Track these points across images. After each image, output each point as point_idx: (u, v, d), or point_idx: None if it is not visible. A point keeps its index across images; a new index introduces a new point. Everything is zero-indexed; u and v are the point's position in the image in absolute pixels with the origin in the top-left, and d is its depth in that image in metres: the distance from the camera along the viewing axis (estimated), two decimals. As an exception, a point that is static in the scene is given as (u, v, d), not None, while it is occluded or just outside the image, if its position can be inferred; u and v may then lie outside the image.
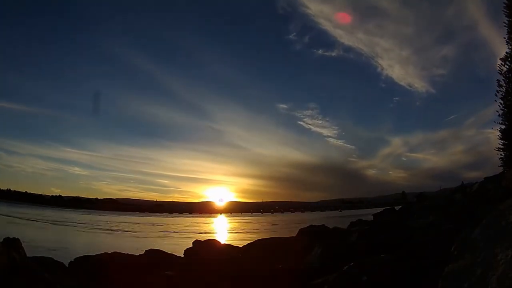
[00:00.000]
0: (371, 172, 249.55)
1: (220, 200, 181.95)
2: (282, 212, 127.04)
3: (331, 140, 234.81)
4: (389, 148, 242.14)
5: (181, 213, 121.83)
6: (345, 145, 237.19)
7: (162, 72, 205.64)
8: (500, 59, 16.03)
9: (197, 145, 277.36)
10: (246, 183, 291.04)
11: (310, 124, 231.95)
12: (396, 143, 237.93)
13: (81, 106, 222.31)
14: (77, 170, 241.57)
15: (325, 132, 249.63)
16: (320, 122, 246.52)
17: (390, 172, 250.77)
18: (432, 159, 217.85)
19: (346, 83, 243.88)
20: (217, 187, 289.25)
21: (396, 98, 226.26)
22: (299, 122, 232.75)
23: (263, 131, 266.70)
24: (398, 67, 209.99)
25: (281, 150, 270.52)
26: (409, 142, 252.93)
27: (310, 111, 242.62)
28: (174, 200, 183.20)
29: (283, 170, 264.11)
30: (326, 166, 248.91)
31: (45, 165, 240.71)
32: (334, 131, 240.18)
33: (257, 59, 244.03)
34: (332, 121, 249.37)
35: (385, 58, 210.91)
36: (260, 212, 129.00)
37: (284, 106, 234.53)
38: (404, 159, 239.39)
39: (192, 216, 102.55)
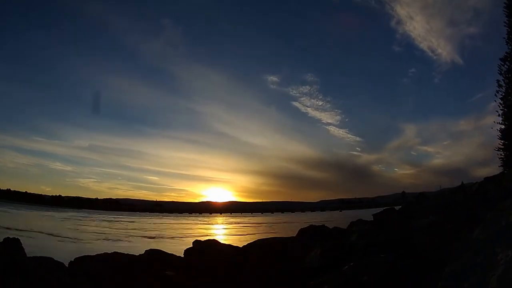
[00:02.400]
0: (375, 168, 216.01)
1: (220, 200, 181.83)
2: (282, 212, 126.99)
3: (332, 128, 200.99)
4: (400, 139, 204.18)
5: (181, 213, 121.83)
6: (349, 135, 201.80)
7: (116, 25, 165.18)
8: (500, 59, 16.07)
9: (179, 133, 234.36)
10: (243, 180, 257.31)
11: (307, 107, 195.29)
12: (410, 133, 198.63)
13: (40, 83, 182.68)
14: (58, 165, 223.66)
15: (325, 117, 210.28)
16: (320, 103, 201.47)
17: (396, 169, 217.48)
18: (444, 154, 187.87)
19: (350, 46, 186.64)
20: (213, 185, 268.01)
21: (412, 70, 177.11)
22: (294, 103, 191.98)
23: (251, 113, 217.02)
24: (420, 19, 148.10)
25: (276, 140, 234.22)
26: (423, 131, 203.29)
27: (307, 87, 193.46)
28: (173, 200, 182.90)
29: (279, 165, 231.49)
30: (326, 161, 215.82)
31: (26, 160, 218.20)
32: (337, 117, 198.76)
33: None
34: (333, 102, 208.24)
35: (403, 2, 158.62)
36: (260, 212, 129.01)
37: (275, 78, 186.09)
38: (414, 153, 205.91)
39: (192, 216, 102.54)
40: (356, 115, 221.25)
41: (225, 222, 64.89)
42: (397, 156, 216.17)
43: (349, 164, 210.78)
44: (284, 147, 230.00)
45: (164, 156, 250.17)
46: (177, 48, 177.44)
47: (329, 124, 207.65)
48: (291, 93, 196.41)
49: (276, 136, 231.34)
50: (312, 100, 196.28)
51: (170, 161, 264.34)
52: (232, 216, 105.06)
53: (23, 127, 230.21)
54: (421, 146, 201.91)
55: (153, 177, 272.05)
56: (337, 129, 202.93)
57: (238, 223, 58.48)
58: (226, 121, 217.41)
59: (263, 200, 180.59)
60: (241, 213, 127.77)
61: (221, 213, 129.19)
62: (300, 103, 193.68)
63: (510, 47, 15.94)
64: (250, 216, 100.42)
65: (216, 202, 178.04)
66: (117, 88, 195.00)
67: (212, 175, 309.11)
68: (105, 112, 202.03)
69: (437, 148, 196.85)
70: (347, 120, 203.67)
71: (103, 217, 66.26)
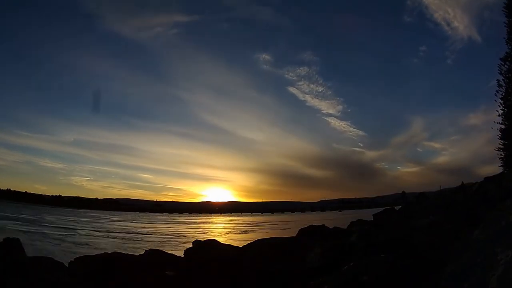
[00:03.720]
0: (378, 166, 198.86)
1: (220, 199, 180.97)
2: (282, 212, 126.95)
3: (333, 120, 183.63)
4: (407, 133, 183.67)
5: (181, 213, 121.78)
6: (351, 128, 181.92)
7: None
8: (500, 59, 16.02)
9: (170, 126, 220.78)
10: (241, 178, 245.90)
11: (306, 94, 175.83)
12: (417, 126, 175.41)
13: (23, 75, 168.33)
14: (48, 162, 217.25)
15: (325, 107, 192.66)
16: (320, 89, 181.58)
17: (399, 167, 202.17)
18: (451, 150, 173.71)
19: (355, 17, 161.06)
20: (211, 184, 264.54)
21: (423, 48, 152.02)
22: (291, 89, 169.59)
23: (245, 103, 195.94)
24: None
25: (273, 134, 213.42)
26: (431, 124, 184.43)
27: (305, 68, 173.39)
28: (173, 200, 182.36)
29: (278, 162, 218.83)
30: (327, 158, 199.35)
31: (15, 157, 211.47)
32: (338, 106, 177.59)
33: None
34: (335, 87, 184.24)
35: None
36: (260, 212, 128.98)
37: (268, 57, 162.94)
38: (419, 149, 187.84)
39: (192, 216, 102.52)
40: (359, 104, 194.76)
41: (225, 222, 64.90)
42: (401, 152, 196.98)
43: (351, 162, 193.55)
44: (282, 143, 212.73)
45: (157, 152, 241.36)
46: (164, 30, 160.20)
47: (330, 115, 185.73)
48: (286, 76, 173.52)
49: (273, 130, 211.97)
50: (311, 86, 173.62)
51: (163, 158, 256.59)
52: (232, 216, 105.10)
53: (10, 121, 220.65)
54: (427, 141, 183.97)
55: (148, 175, 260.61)
56: (338, 121, 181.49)
57: (238, 223, 58.49)
58: (219, 112, 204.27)
59: (263, 200, 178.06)
60: (241, 213, 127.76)
61: (221, 213, 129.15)
62: (297, 88, 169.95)
63: (510, 47, 15.89)
64: (250, 216, 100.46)
65: (216, 202, 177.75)
66: (102, 78, 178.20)
67: (209, 173, 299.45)
68: (89, 104, 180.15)
69: (444, 144, 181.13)
70: (349, 110, 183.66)
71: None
